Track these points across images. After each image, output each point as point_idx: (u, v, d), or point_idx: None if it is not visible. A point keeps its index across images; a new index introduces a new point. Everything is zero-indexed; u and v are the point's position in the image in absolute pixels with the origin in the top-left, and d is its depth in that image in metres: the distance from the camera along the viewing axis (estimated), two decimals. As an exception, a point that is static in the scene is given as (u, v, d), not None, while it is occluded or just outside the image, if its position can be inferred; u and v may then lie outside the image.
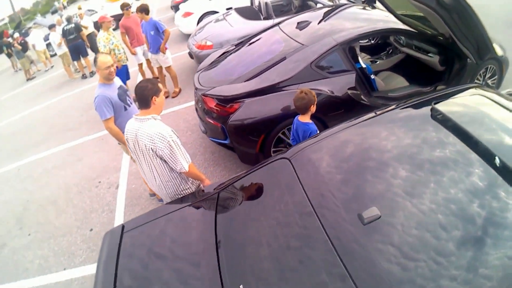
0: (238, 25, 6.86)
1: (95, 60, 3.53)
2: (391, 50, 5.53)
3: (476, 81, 4.38)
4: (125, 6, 6.88)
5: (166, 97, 6.73)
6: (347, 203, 1.85)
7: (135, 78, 8.12)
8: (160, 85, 2.68)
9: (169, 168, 2.70)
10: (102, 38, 6.28)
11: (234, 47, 5.12)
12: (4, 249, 4.48)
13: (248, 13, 7.30)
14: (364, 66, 4.32)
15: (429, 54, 4.70)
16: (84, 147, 6.21)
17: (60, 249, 4.13)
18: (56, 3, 50.50)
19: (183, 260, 2.02)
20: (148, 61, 7.48)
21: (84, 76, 10.86)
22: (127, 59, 6.64)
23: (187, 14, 10.07)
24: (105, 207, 4.52)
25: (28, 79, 13.82)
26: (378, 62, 5.35)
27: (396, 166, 1.99)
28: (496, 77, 4.56)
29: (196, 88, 4.37)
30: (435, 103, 2.32)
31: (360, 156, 2.16)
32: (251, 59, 4.38)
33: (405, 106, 2.55)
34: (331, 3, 6.43)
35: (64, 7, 41.43)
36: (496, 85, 4.57)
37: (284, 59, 4.00)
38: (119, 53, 6.39)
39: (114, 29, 8.59)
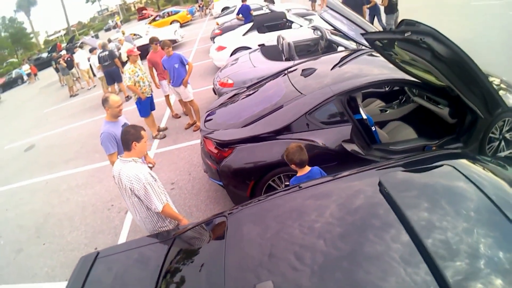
0: (259, 64, 7.01)
1: (106, 100, 3.89)
2: (404, 99, 5.34)
3: (491, 135, 4.12)
4: (154, 41, 7.46)
5: (194, 131, 7.17)
6: (245, 275, 1.89)
7: (164, 109, 8.69)
8: (143, 132, 3.03)
9: (146, 206, 3.01)
10: (128, 70, 6.69)
11: (246, 89, 5.32)
12: (20, 254, 5.04)
13: (271, 52, 7.46)
14: (365, 117, 4.14)
15: (439, 106, 4.54)
16: (106, 170, 6.61)
17: (66, 261, 4.53)
18: (110, 21, 53.42)
19: None
20: (166, 96, 8.01)
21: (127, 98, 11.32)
22: (151, 91, 7.06)
23: (220, 48, 10.46)
24: (111, 230, 4.86)
25: (71, 96, 14.89)
26: (388, 112, 5.20)
27: (315, 242, 1.93)
28: None
29: (200, 129, 4.59)
30: (384, 176, 2.24)
31: (286, 225, 2.11)
32: (254, 103, 4.52)
33: (365, 170, 2.54)
34: (353, 46, 6.52)
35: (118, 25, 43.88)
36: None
37: (281, 107, 4.08)
38: (144, 85, 6.79)
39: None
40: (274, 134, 3.92)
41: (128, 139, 2.98)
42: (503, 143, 4.23)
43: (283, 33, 8.44)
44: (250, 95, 4.95)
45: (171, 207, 3.14)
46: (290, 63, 6.30)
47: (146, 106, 7.02)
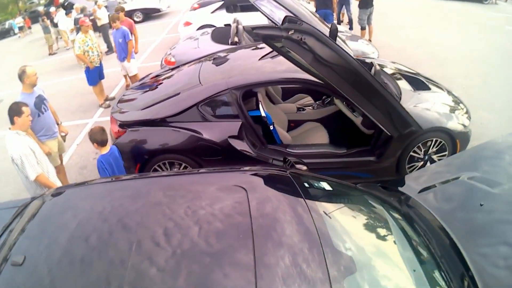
0: (204, 46, 6.87)
1: (23, 72, 4.22)
2: (328, 100, 5.12)
3: (413, 154, 3.94)
4: (118, 10, 7.76)
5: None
6: None
7: (119, 79, 8.91)
8: (24, 108, 3.41)
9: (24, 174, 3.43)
10: (78, 40, 7.02)
11: (168, 70, 5.33)
12: None
13: (222, 35, 7.22)
14: (263, 115, 4.03)
15: (355, 113, 4.35)
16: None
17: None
18: None
19: None
20: None
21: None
22: (100, 61, 7.33)
23: (187, 24, 10.46)
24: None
25: (49, 54, 15.02)
26: (306, 111, 5.05)
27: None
28: (446, 153, 3.99)
29: (112, 107, 4.67)
30: None
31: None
32: (163, 87, 4.55)
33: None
34: None
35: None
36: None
37: (178, 94, 4.07)
38: (93, 55, 7.08)
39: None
40: (165, 120, 3.98)
41: (10, 114, 3.41)
42: (429, 164, 3.98)
43: (243, 15, 8.44)
44: (167, 78, 4.90)
45: (45, 176, 3.52)
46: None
47: (94, 75, 7.31)
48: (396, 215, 2.35)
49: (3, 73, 14.05)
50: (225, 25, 9.21)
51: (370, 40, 9.28)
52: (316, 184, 2.44)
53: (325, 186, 2.45)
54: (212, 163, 3.94)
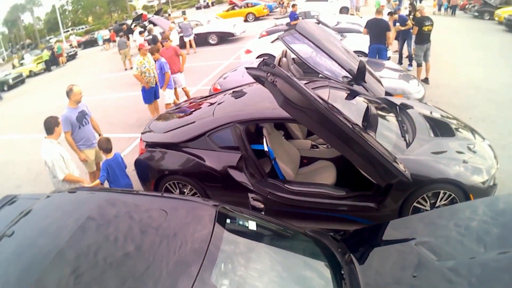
0: (247, 76, 6.43)
1: (70, 90, 4.93)
2: None
3: (417, 205, 3.73)
4: (165, 38, 8.57)
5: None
6: None
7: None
8: (59, 120, 4.28)
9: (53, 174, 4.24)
10: (137, 61, 7.78)
11: (202, 98, 5.70)
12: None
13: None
14: (266, 149, 4.15)
15: None
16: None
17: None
18: (202, 1, 53.29)
19: None
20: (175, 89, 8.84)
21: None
22: (156, 82, 8.03)
23: (248, 52, 10.95)
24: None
25: (125, 69, 16.12)
26: (319, 149, 5.04)
27: None
28: None
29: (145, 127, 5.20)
30: None
31: None
32: (190, 113, 4.96)
33: None
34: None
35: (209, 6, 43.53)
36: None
37: (193, 122, 4.48)
38: (149, 76, 7.79)
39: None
40: (179, 145, 4.41)
41: (50, 125, 4.20)
42: None
43: (298, 47, 8.55)
44: (197, 105, 5.33)
45: (72, 175, 4.27)
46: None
47: (149, 94, 8.07)
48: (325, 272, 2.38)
49: (83, 82, 15.60)
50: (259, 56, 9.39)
51: (427, 78, 8.94)
52: (241, 222, 2.56)
53: (251, 225, 2.54)
54: (213, 189, 4.29)
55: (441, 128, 4.32)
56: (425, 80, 8.87)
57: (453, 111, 6.54)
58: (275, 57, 9.04)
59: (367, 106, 3.61)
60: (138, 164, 4.74)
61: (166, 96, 8.01)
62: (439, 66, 10.11)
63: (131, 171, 4.87)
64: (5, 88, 20.09)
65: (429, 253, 2.38)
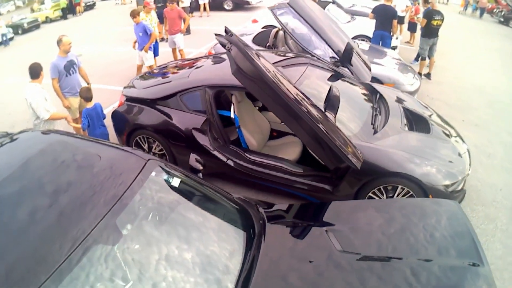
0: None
1: (60, 40, 5.09)
2: None
3: (372, 195, 3.69)
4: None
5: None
6: None
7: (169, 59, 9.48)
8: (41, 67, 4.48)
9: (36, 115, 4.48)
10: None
11: (191, 60, 5.68)
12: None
13: (262, 38, 7.32)
14: (232, 116, 4.26)
15: None
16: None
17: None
18: None
19: None
20: (173, 49, 8.93)
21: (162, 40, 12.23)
22: (156, 40, 8.04)
23: (255, 21, 10.91)
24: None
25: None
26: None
27: None
28: None
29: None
30: None
31: None
32: (170, 74, 5.03)
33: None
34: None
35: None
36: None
37: (170, 81, 4.63)
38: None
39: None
40: (154, 102, 4.55)
41: (35, 71, 4.39)
42: None
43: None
44: (180, 67, 5.36)
45: (57, 113, 4.61)
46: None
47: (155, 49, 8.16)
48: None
49: (96, 32, 15.66)
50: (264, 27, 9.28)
51: (429, 73, 8.78)
52: (166, 177, 2.60)
53: (175, 182, 2.60)
54: (177, 148, 4.43)
55: (418, 123, 4.26)
56: (427, 75, 8.74)
57: (447, 110, 6.58)
58: (276, 28, 8.67)
59: (330, 86, 3.55)
60: (114, 115, 4.89)
61: (148, 59, 7.94)
62: (446, 64, 9.91)
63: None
64: (20, 32, 20.21)
65: (336, 242, 2.41)
